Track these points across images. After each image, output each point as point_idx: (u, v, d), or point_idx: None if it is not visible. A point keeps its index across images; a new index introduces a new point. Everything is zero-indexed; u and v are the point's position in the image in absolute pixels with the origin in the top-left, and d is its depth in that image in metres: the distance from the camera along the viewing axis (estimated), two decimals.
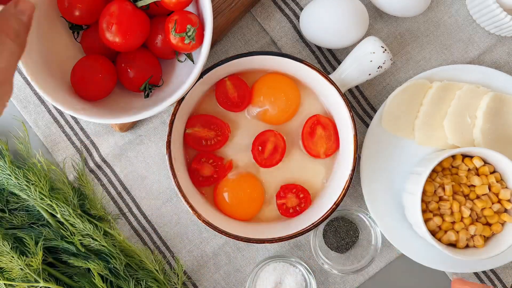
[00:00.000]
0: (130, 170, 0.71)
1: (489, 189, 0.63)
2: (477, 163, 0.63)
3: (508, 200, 0.62)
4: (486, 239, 0.63)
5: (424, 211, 0.62)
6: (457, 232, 0.62)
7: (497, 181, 0.63)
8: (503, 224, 0.63)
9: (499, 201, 0.63)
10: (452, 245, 0.63)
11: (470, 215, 0.62)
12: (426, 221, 0.62)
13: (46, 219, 0.68)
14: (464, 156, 0.64)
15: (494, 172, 0.64)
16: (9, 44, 0.39)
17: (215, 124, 0.64)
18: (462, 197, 0.63)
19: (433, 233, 0.62)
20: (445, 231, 0.62)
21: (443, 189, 0.62)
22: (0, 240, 0.64)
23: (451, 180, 0.63)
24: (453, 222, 0.62)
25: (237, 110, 0.65)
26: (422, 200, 0.62)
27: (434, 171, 0.63)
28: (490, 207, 0.62)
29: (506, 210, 0.63)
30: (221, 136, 0.64)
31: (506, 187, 0.63)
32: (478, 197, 0.63)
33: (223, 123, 0.64)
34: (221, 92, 0.64)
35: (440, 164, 0.63)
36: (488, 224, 0.63)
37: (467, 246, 0.63)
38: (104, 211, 0.70)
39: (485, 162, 0.64)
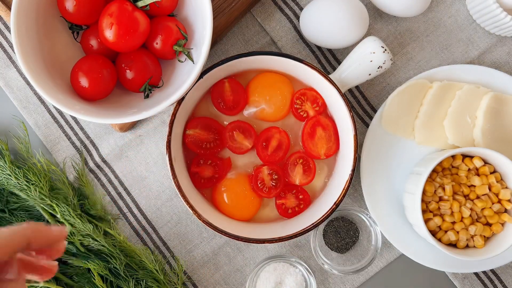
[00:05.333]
0: (130, 170, 0.71)
1: (489, 189, 0.63)
2: (477, 163, 0.63)
3: (508, 200, 0.62)
4: (486, 239, 0.63)
5: (424, 211, 0.62)
6: (457, 232, 0.62)
7: (497, 181, 0.62)
8: (503, 224, 0.63)
9: (499, 201, 0.63)
10: (453, 245, 0.63)
11: (470, 215, 0.62)
12: (426, 221, 0.62)
13: (46, 219, 0.68)
14: (464, 156, 0.64)
15: (494, 172, 0.64)
16: None
17: (215, 128, 0.64)
18: (462, 197, 0.63)
19: (433, 233, 0.62)
20: (445, 231, 0.62)
21: (443, 189, 0.62)
22: None
23: (451, 180, 0.63)
24: (453, 222, 0.62)
25: (229, 113, 0.65)
26: (422, 200, 0.62)
27: (434, 171, 0.63)
28: (490, 207, 0.62)
29: (506, 210, 0.63)
30: (220, 140, 0.65)
31: (506, 187, 0.63)
32: (478, 197, 0.63)
33: (223, 128, 0.64)
34: (217, 93, 0.64)
35: (440, 164, 0.63)
36: (488, 224, 0.63)
37: (467, 246, 0.63)
38: (104, 211, 0.70)
39: (485, 162, 0.63)
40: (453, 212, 0.62)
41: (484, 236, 0.63)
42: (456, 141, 0.66)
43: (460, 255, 0.60)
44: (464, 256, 0.60)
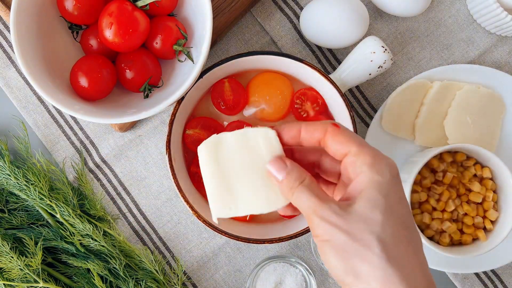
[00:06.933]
0: (130, 170, 0.70)
1: (482, 201, 0.62)
2: (487, 173, 0.62)
3: (492, 222, 0.62)
4: (487, 232, 0.63)
5: (415, 191, 0.62)
6: (432, 218, 0.62)
7: (493, 201, 0.62)
8: (474, 239, 0.62)
9: (484, 217, 0.62)
10: (453, 245, 0.63)
11: (451, 212, 0.62)
12: (414, 202, 0.62)
13: (45, 219, 0.68)
14: (477, 162, 0.64)
15: (496, 192, 0.63)
16: None
17: (215, 128, 0.64)
18: (455, 192, 0.62)
19: (420, 225, 0.62)
20: (422, 212, 0.62)
21: (444, 175, 0.62)
22: None
23: (455, 173, 0.63)
24: (434, 209, 0.62)
25: (229, 113, 0.65)
26: (417, 183, 0.62)
27: (442, 161, 0.63)
28: (472, 217, 0.62)
29: (485, 228, 0.62)
30: None
31: (497, 210, 0.62)
32: (468, 202, 0.62)
33: (223, 128, 0.64)
34: (217, 93, 0.64)
35: (454, 156, 0.63)
36: (461, 231, 0.63)
37: (452, 244, 0.63)
38: (103, 211, 0.69)
39: (492, 178, 0.63)
40: (440, 199, 0.62)
41: (451, 239, 0.62)
42: (456, 141, 0.66)
43: (446, 252, 0.60)
44: (451, 253, 0.60)
